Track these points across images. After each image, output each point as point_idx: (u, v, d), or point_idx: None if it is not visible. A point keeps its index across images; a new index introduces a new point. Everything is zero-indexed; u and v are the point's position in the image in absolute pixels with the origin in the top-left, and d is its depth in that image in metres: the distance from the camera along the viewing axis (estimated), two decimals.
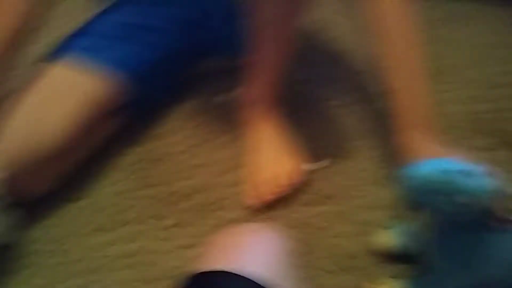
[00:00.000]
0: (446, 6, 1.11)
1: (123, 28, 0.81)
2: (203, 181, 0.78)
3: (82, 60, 0.75)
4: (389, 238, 0.67)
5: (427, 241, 0.60)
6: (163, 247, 0.70)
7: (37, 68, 0.76)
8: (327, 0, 1.10)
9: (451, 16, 1.08)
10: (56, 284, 0.67)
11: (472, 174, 0.52)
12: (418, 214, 0.61)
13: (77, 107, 0.72)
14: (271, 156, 0.77)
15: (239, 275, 0.40)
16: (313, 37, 1.02)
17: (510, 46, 1.00)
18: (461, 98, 0.89)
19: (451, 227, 0.56)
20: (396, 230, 0.67)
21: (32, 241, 0.72)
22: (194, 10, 0.85)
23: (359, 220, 0.72)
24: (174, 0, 0.85)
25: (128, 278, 0.67)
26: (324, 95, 0.91)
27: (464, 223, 0.54)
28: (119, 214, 0.74)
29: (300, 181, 0.75)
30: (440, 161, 0.54)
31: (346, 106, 0.88)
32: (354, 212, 0.73)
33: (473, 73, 0.94)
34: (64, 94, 0.73)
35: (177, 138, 0.85)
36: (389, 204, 0.72)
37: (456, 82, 0.92)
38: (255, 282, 0.39)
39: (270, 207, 0.73)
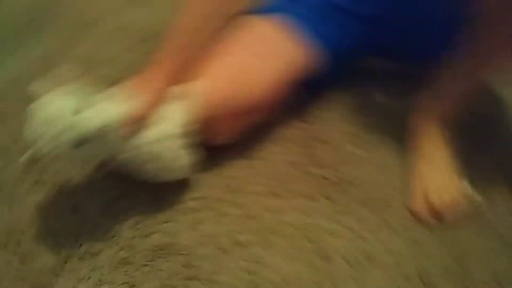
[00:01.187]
0: None
1: (330, 8, 0.83)
2: (365, 174, 0.80)
3: (293, 24, 0.77)
4: None
5: None
6: (336, 230, 0.72)
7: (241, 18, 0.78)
8: None
9: None
10: (232, 233, 0.68)
11: None
12: None
13: (283, 67, 0.75)
14: (442, 171, 0.79)
15: None
16: None
17: None
18: None
19: None
20: None
21: (207, 186, 0.73)
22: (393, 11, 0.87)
23: None
24: None
25: (301, 250, 0.68)
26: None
27: None
28: (291, 184, 0.76)
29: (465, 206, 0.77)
30: None
31: None
32: None
33: None
34: (273, 52, 0.76)
35: (342, 125, 0.87)
36: None
37: None
38: None
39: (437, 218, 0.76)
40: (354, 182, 0.79)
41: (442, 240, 0.73)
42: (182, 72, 0.69)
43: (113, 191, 0.71)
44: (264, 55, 0.75)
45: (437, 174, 0.79)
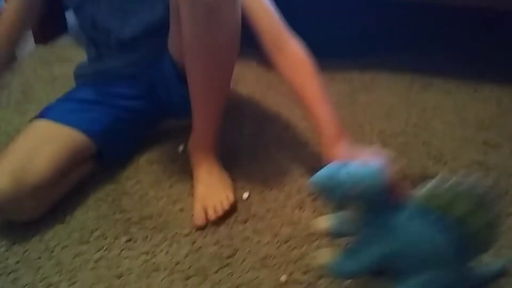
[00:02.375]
0: None
1: (92, 96, 1.12)
2: (159, 208, 1.04)
3: (61, 119, 1.04)
4: (326, 223, 0.85)
5: (351, 223, 0.79)
6: (130, 255, 0.93)
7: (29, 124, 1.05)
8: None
9: None
10: (46, 278, 0.89)
11: (359, 168, 0.70)
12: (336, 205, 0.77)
13: (58, 152, 0.99)
14: (211, 187, 1.03)
15: None
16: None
17: None
18: None
19: (363, 210, 0.74)
20: (331, 216, 0.85)
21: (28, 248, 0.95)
22: (142, 86, 1.15)
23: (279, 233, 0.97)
24: (125, 80, 1.15)
25: (102, 277, 0.90)
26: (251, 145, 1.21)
27: (369, 205, 0.72)
28: (98, 231, 0.98)
29: (233, 205, 1.01)
30: (336, 164, 0.73)
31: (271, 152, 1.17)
32: (274, 226, 0.98)
33: None
34: (48, 141, 1.00)
35: (141, 177, 1.11)
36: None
37: None
38: None
39: (213, 224, 0.99)
40: (151, 217, 1.01)
41: (217, 239, 0.95)
42: None
43: None
44: (40, 145, 0.98)
45: (212, 193, 1.02)
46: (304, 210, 1.02)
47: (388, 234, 0.73)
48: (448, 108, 1.37)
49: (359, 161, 0.72)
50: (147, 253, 0.93)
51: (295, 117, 1.32)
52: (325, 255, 0.82)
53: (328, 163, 0.75)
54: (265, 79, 1.50)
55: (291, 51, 0.98)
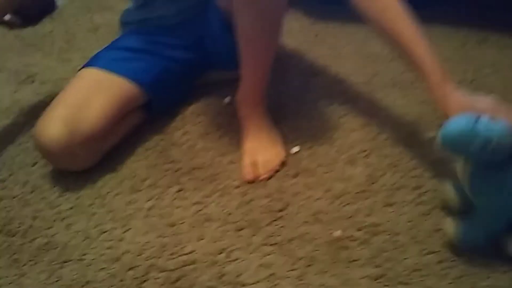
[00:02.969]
0: None
1: (140, 45, 1.09)
2: (208, 160, 1.02)
3: (110, 68, 1.02)
4: (449, 193, 0.85)
5: (469, 186, 0.75)
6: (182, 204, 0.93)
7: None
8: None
9: None
10: (99, 226, 0.90)
11: (491, 123, 0.67)
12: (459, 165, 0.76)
13: (109, 102, 0.98)
14: (260, 142, 1.01)
15: None
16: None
17: None
18: None
19: (486, 169, 0.72)
20: (451, 186, 0.84)
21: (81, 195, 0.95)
22: (189, 36, 1.12)
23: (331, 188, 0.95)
24: (172, 30, 1.11)
25: (154, 225, 0.90)
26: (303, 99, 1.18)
27: (496, 164, 0.70)
28: (150, 180, 0.98)
29: (282, 161, 1.00)
30: (466, 117, 0.69)
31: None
32: (325, 181, 0.96)
33: None
34: (99, 91, 0.98)
35: (188, 128, 1.10)
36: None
37: None
38: None
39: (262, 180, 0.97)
40: (201, 168, 1.01)
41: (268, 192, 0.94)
42: None
43: None
44: (91, 95, 0.97)
45: (262, 149, 1.00)
46: (356, 166, 0.99)
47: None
48: (505, 64, 1.30)
49: (488, 116, 0.69)
50: (198, 203, 0.92)
51: (344, 70, 1.27)
52: (450, 226, 0.80)
53: (450, 114, 0.74)
54: (312, 31, 1.45)
55: None
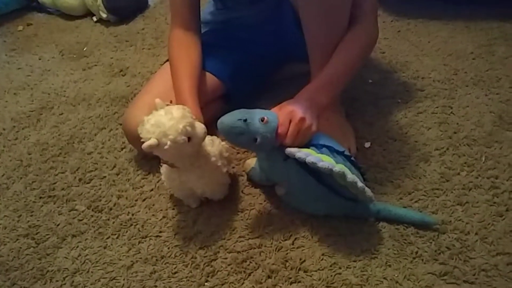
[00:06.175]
0: None
1: (220, 41, 1.14)
2: None
3: None
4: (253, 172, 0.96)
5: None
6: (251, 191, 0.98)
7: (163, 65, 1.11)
8: None
9: None
10: None
11: (247, 118, 0.78)
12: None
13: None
14: (332, 136, 1.02)
15: None
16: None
17: None
18: None
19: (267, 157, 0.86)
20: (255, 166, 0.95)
21: None
22: (266, 32, 1.15)
23: (401, 185, 0.94)
24: (250, 27, 1.15)
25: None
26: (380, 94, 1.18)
27: (268, 155, 0.85)
28: None
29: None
30: (241, 112, 0.80)
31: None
32: (395, 177, 0.96)
33: None
34: None
35: None
36: None
37: None
38: None
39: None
40: None
41: None
42: None
43: None
44: None
45: (334, 132, 1.02)
46: (430, 164, 0.98)
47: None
48: None
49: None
50: (268, 192, 0.96)
51: (425, 67, 1.25)
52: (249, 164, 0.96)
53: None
54: (392, 27, 1.43)
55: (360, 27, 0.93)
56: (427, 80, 1.21)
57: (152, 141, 0.75)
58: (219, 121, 0.81)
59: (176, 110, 0.78)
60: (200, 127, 0.82)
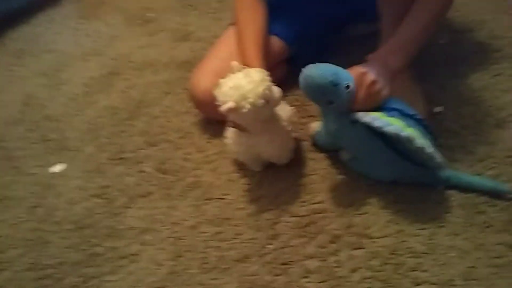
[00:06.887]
0: None
1: (283, 3, 1.10)
2: None
3: None
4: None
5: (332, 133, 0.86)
6: None
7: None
8: None
9: None
10: None
11: (337, 81, 0.76)
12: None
13: None
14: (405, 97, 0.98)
15: None
16: None
17: None
18: None
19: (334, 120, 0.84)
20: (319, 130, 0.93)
21: None
22: None
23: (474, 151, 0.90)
24: None
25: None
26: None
27: (336, 118, 0.83)
28: None
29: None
30: (327, 67, 0.78)
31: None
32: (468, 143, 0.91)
33: None
34: None
35: None
36: None
37: None
38: None
39: None
40: None
41: None
42: None
43: None
44: None
45: (404, 96, 0.98)
46: (504, 130, 0.92)
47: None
48: None
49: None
50: (332, 157, 0.95)
51: (501, 26, 1.16)
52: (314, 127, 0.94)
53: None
54: None
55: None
56: (505, 40, 1.13)
57: (231, 103, 0.76)
58: (307, 74, 0.79)
59: (256, 73, 0.78)
60: (277, 90, 0.81)
